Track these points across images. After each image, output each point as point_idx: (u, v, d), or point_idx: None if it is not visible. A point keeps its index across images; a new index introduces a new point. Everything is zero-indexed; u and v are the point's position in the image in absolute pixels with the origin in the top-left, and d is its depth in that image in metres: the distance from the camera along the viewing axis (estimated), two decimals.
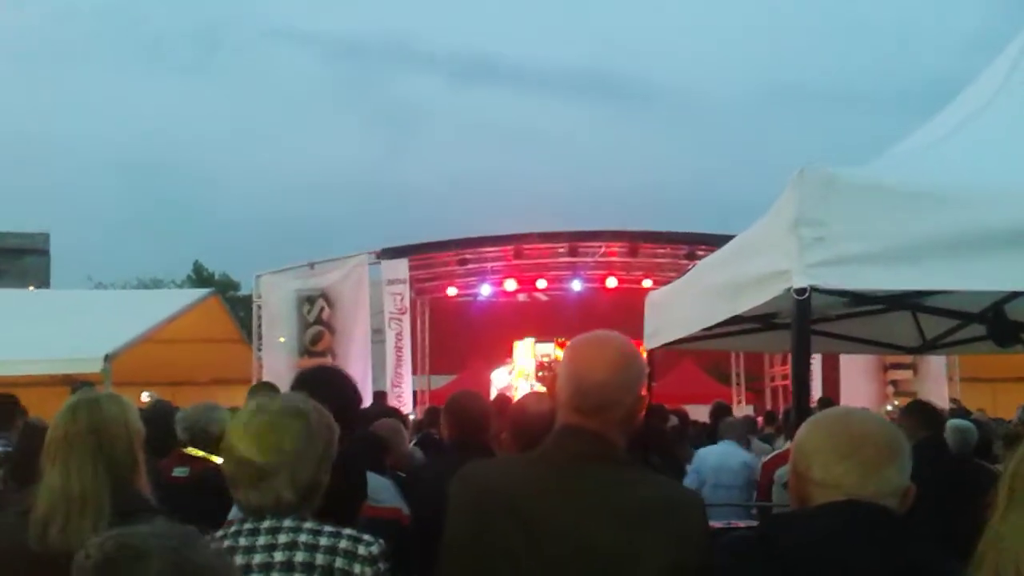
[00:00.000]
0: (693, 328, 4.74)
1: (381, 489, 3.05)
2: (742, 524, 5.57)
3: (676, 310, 5.14)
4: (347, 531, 2.12)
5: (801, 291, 3.04)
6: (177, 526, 1.49)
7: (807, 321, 3.11)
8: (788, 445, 6.36)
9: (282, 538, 2.06)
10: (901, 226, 3.02)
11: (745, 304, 3.65)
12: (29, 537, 2.48)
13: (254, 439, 2.13)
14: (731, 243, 4.06)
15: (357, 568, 2.05)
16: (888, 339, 6.04)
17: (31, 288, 30.04)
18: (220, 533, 2.12)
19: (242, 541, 2.08)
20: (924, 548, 1.74)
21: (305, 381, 3.25)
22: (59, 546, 2.44)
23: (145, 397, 11.58)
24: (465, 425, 3.93)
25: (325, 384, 3.05)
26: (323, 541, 2.07)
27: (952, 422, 5.85)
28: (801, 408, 3.12)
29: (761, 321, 5.17)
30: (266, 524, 2.09)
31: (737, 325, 5.03)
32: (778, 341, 5.67)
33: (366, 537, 2.12)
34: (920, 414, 5.44)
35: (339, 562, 2.04)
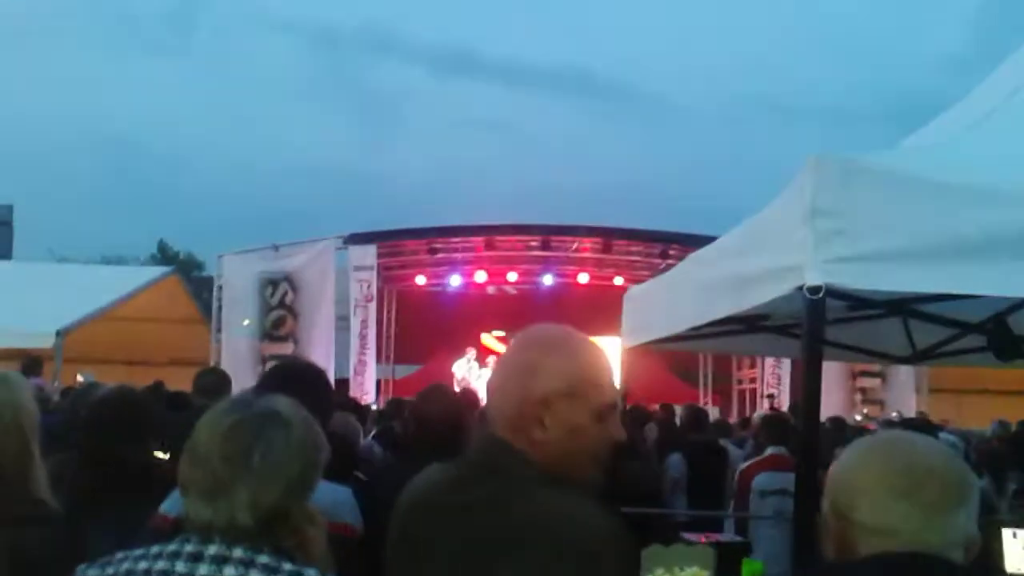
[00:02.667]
0: (681, 326, 4.42)
1: (340, 503, 2.68)
2: (722, 538, 5.27)
3: (660, 307, 4.84)
4: (310, 571, 1.73)
5: (815, 289, 2.71)
6: None
7: (821, 324, 2.79)
8: (769, 452, 6.15)
9: (228, 572, 1.68)
10: (929, 221, 2.69)
11: (748, 301, 3.30)
12: None
13: (219, 441, 1.75)
14: (728, 236, 3.74)
15: None
16: (875, 347, 5.76)
17: None
18: (156, 549, 1.74)
19: (179, 567, 1.69)
20: None
21: (278, 376, 2.90)
22: None
23: (80, 378, 11.12)
24: (430, 427, 3.55)
25: (301, 381, 2.70)
26: None
27: (942, 437, 5.62)
28: (811, 424, 2.81)
29: (744, 323, 4.90)
30: (212, 550, 1.70)
31: (720, 326, 4.74)
32: (765, 344, 5.41)
33: None
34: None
35: None
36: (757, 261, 3.20)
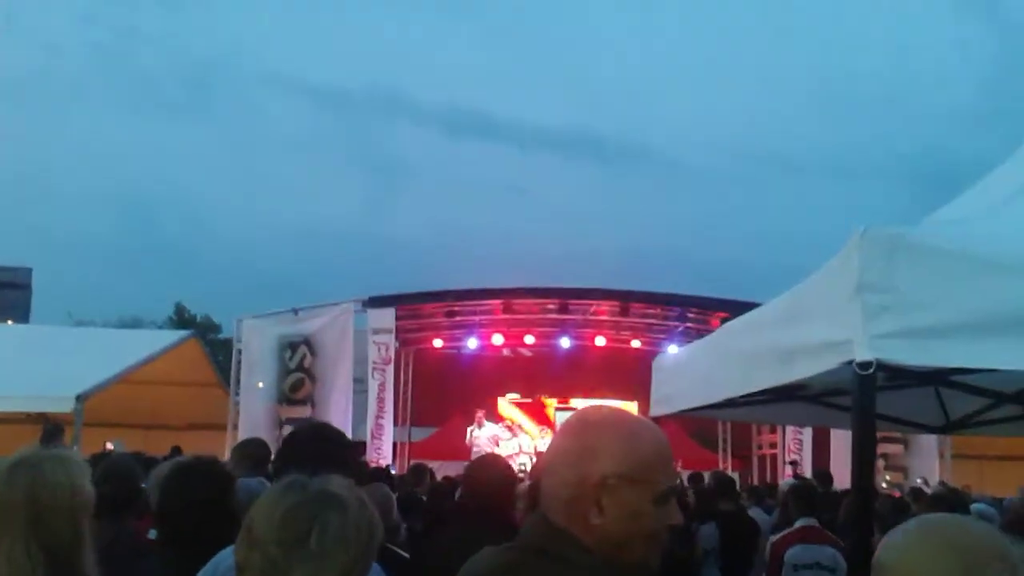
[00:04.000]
0: (719, 396, 4.38)
1: None
2: None
3: (694, 376, 4.80)
4: None
5: (865, 365, 2.69)
6: None
7: (872, 399, 2.76)
8: (800, 524, 6.04)
9: None
10: (976, 295, 2.69)
11: (794, 374, 3.27)
12: None
13: (276, 524, 1.72)
14: (769, 306, 3.73)
15: None
16: (909, 416, 5.69)
17: (9, 323, 29.48)
18: None
19: None
20: None
21: (301, 440, 2.86)
22: None
23: (110, 445, 11.09)
24: (481, 497, 3.52)
25: (324, 444, 2.67)
26: None
27: (976, 508, 5.53)
28: (863, 501, 2.76)
29: (779, 392, 4.84)
30: None
31: (754, 395, 4.69)
32: (798, 413, 5.33)
33: None
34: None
35: None
36: (802, 333, 3.18)
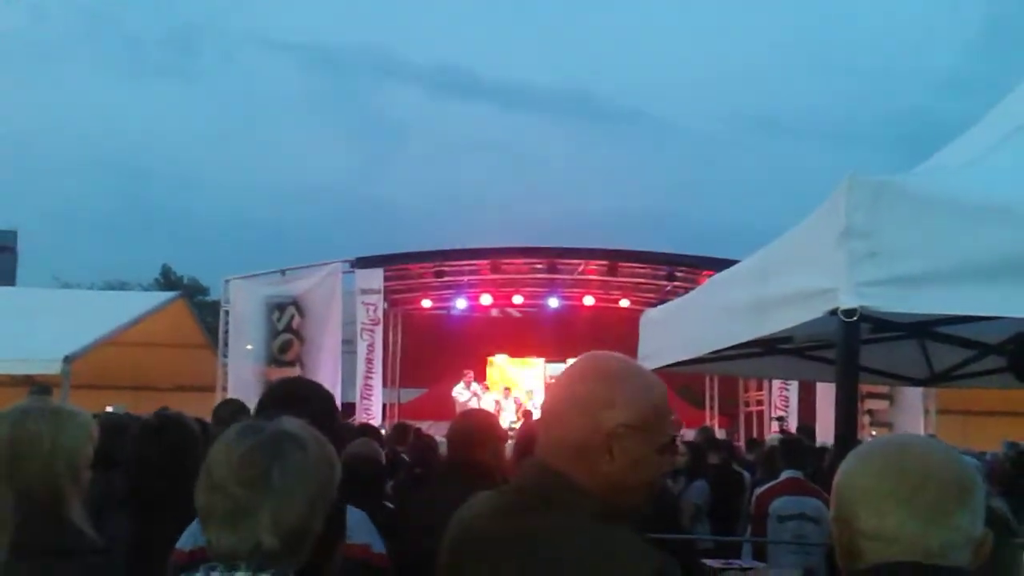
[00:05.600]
0: (703, 350, 4.39)
1: (354, 527, 2.62)
2: (745, 564, 5.21)
3: (680, 330, 4.80)
4: None
5: (850, 312, 2.69)
6: None
7: (856, 348, 2.76)
8: (785, 476, 6.09)
9: None
10: (962, 242, 2.67)
11: (776, 325, 3.27)
12: None
13: (235, 467, 1.69)
14: (753, 258, 3.72)
15: None
16: (893, 369, 5.72)
17: None
18: None
19: None
20: None
21: (278, 395, 2.85)
22: None
23: (110, 409, 11.06)
24: (465, 451, 3.55)
25: (303, 400, 2.66)
26: None
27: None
28: (846, 449, 2.76)
29: (763, 345, 4.85)
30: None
31: (738, 349, 4.70)
32: (783, 367, 5.35)
33: None
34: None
35: None
36: (785, 283, 3.17)
